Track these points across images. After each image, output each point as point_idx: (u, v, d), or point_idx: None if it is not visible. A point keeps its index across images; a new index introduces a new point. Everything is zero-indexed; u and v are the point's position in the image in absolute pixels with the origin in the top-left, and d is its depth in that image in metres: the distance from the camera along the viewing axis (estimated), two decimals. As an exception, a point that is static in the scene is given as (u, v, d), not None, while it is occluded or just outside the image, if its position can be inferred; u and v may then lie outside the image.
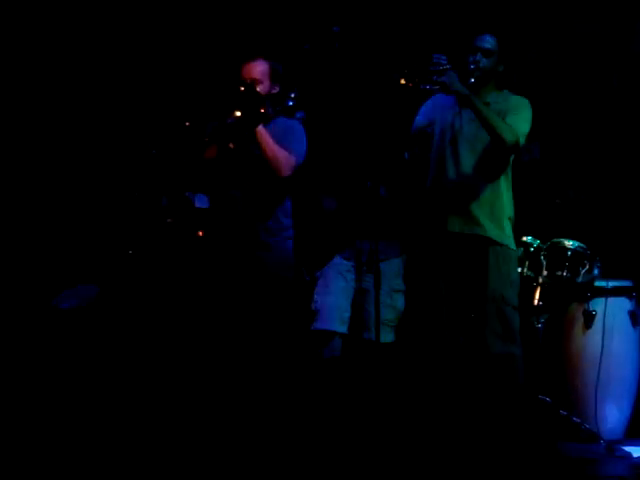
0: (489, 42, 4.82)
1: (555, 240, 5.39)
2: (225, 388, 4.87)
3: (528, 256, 5.36)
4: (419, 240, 5.03)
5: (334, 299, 5.21)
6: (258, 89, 4.94)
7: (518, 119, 4.75)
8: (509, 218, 4.86)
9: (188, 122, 5.00)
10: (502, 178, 4.85)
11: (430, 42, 6.05)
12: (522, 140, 4.72)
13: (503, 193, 4.85)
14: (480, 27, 4.91)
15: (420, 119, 4.97)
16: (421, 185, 4.98)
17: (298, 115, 5.27)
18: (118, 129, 6.20)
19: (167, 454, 4.65)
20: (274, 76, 5.05)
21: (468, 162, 4.82)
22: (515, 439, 4.70)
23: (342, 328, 5.18)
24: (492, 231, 4.80)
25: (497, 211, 4.83)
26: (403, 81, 4.62)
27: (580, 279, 5.34)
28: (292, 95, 5.11)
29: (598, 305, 5.27)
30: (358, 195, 5.18)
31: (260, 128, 4.90)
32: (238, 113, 4.87)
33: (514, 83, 4.95)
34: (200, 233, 5.82)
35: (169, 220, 5.91)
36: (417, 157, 5.02)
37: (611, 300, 5.29)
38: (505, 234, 4.84)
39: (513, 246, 4.88)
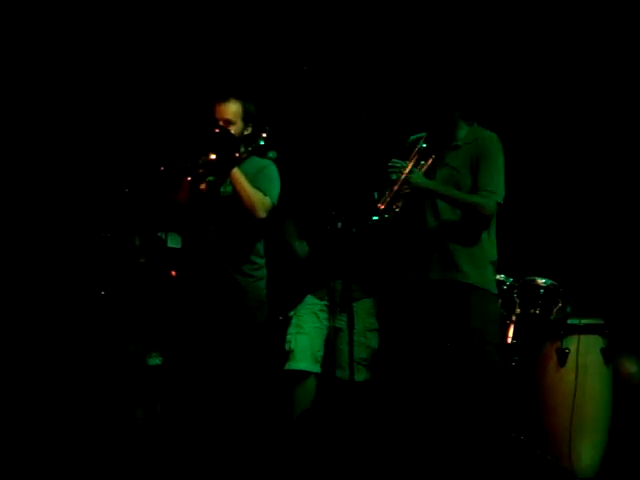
0: None
1: (528, 278, 5.41)
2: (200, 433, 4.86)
3: (501, 294, 5.36)
4: (400, 286, 5.02)
5: (307, 339, 5.20)
6: (231, 130, 4.94)
7: (493, 172, 4.75)
8: (491, 262, 4.85)
9: (162, 167, 4.98)
10: (484, 226, 4.84)
11: (396, 80, 6.10)
12: (501, 199, 4.74)
13: (484, 238, 4.84)
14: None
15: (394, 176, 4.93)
16: (401, 233, 4.98)
17: (270, 155, 5.26)
18: (92, 167, 6.18)
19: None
20: (246, 116, 5.05)
21: (447, 213, 4.81)
22: (489, 478, 4.69)
23: (316, 368, 5.17)
24: (473, 277, 4.79)
25: (478, 256, 4.82)
26: (382, 207, 4.66)
27: (553, 317, 5.36)
28: (264, 135, 5.10)
29: (571, 343, 5.25)
30: (330, 234, 5.18)
31: (235, 170, 4.89)
32: (213, 156, 4.86)
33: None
34: (173, 273, 5.80)
35: (142, 260, 5.89)
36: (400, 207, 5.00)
37: (584, 338, 5.27)
38: (486, 279, 4.83)
39: (494, 290, 4.88)
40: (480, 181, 4.74)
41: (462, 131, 4.87)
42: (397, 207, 4.71)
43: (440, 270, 4.81)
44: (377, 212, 4.68)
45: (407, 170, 4.71)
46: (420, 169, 4.77)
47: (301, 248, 5.32)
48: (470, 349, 4.75)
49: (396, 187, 4.70)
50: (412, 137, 4.92)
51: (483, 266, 4.83)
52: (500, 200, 4.73)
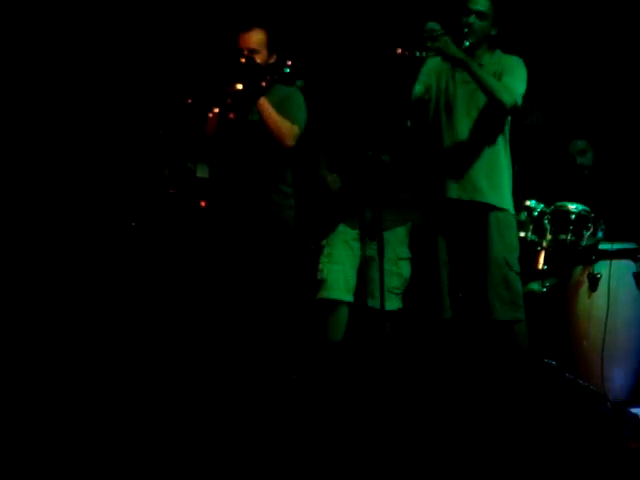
0: (482, 4, 4.79)
1: (559, 204, 5.37)
2: (228, 364, 4.89)
3: (532, 220, 5.34)
4: (419, 207, 5.03)
5: (340, 268, 5.20)
6: (256, 59, 4.92)
7: (514, 79, 4.74)
8: (509, 182, 4.86)
9: (190, 99, 4.97)
10: (499, 142, 4.84)
11: (424, 7, 6.02)
12: (519, 100, 4.72)
13: (501, 157, 4.84)
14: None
15: (417, 87, 4.92)
16: (419, 153, 4.98)
17: (297, 83, 5.24)
18: (120, 105, 6.17)
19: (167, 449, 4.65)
20: (271, 45, 5.03)
21: (464, 127, 4.81)
22: (522, 403, 4.72)
23: (348, 297, 5.18)
24: (491, 196, 4.80)
25: (495, 176, 4.82)
26: (399, 50, 4.60)
27: (584, 242, 5.33)
28: (289, 63, 5.07)
29: (603, 268, 5.25)
30: (361, 164, 5.16)
31: (262, 100, 4.89)
32: (240, 86, 4.85)
33: (513, 46, 4.93)
34: (202, 203, 5.81)
35: (171, 190, 5.90)
36: (417, 125, 5.00)
37: (615, 263, 5.26)
38: (504, 199, 4.84)
39: (513, 211, 4.89)
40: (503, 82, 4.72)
41: (486, 55, 4.86)
42: (416, 50, 4.65)
43: (457, 189, 4.81)
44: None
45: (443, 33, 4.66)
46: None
47: (333, 182, 5.30)
48: (493, 278, 4.76)
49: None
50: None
51: (501, 185, 4.84)
52: (519, 100, 4.71)
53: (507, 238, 4.83)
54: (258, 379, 4.87)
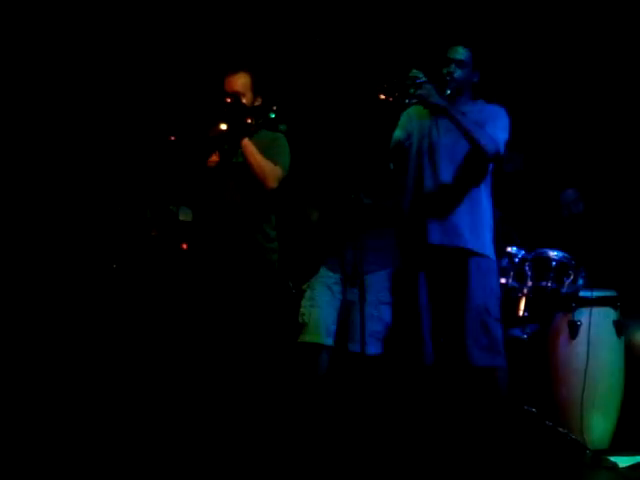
0: (462, 54, 4.85)
1: (540, 250, 5.40)
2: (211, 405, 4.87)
3: (513, 267, 5.37)
4: (401, 251, 5.04)
5: (321, 312, 5.19)
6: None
7: (496, 127, 4.77)
8: (489, 228, 4.87)
9: (173, 136, 4.99)
10: (482, 188, 4.86)
11: (407, 54, 6.08)
12: (502, 149, 4.74)
13: (483, 203, 4.86)
14: (454, 38, 4.93)
15: (397, 133, 4.97)
16: (400, 197, 4.99)
17: (281, 127, 5.26)
18: (103, 142, 6.18)
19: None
20: (256, 88, 5.06)
21: (446, 172, 4.83)
22: (501, 450, 4.70)
23: (328, 341, 5.17)
24: (472, 242, 4.81)
25: (477, 221, 4.83)
26: (382, 96, 4.64)
27: (565, 289, 5.37)
28: (274, 107, 5.09)
29: (583, 315, 5.27)
30: (343, 207, 5.17)
31: (246, 141, 4.92)
32: (224, 126, 4.87)
33: (493, 94, 4.98)
34: (184, 246, 5.80)
35: (153, 233, 5.89)
36: (398, 170, 5.03)
37: (596, 310, 5.29)
38: (486, 245, 4.85)
39: (493, 257, 4.89)
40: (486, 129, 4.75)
41: (468, 103, 4.92)
42: (399, 96, 4.67)
43: (439, 234, 4.82)
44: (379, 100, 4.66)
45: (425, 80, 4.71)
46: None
47: (315, 214, 5.30)
48: (472, 324, 4.77)
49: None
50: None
51: (482, 231, 4.84)
52: (502, 148, 4.73)
53: (487, 284, 4.83)
54: (238, 417, 4.86)
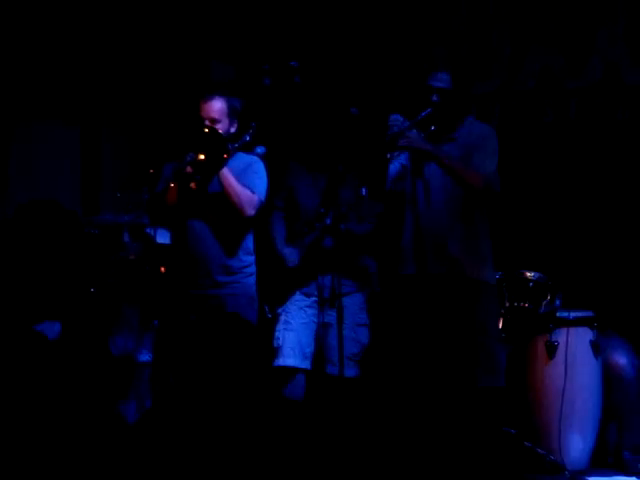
0: (443, 80, 4.68)
1: (516, 271, 5.41)
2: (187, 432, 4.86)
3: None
4: (399, 282, 4.98)
5: (296, 335, 5.19)
6: (218, 128, 4.92)
7: (485, 157, 4.71)
8: (489, 254, 4.83)
9: (152, 169, 4.98)
10: (476, 213, 4.80)
11: (386, 75, 6.10)
12: (491, 177, 4.69)
13: (479, 228, 4.82)
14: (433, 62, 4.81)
15: (392, 167, 4.85)
16: (397, 228, 4.96)
17: (258, 150, 5.23)
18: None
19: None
20: (232, 113, 5.03)
21: (440, 200, 4.78)
22: (480, 472, 4.69)
23: (305, 364, 5.16)
24: (471, 269, 4.78)
25: (475, 248, 4.80)
26: (368, 152, 4.62)
27: (542, 310, 5.37)
28: (250, 130, 5.07)
29: (560, 336, 5.28)
30: (320, 230, 5.18)
31: (224, 171, 4.88)
32: (202, 156, 4.84)
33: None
34: (162, 269, 5.79)
35: (131, 257, 5.88)
36: (395, 202, 4.97)
37: (573, 330, 5.30)
38: (485, 270, 4.81)
39: (493, 281, 4.88)
40: (473, 164, 4.69)
41: (457, 127, 4.81)
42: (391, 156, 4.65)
43: (438, 263, 4.78)
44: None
45: (407, 127, 4.60)
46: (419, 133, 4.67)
47: (291, 256, 5.29)
48: (476, 346, 4.74)
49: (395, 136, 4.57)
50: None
51: (482, 258, 4.81)
52: (491, 177, 4.67)
53: (487, 306, 4.80)
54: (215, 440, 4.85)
